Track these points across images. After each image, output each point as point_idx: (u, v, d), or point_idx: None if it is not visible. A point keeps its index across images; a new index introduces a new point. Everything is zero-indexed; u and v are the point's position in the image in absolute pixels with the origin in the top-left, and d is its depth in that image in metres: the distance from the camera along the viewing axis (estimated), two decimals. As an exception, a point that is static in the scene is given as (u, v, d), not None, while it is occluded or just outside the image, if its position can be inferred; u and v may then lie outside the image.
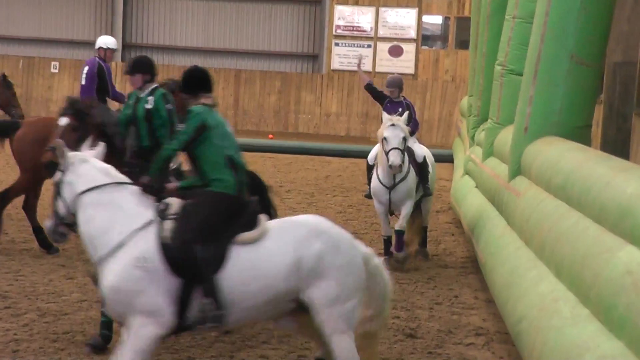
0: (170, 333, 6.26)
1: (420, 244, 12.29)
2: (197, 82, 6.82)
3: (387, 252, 11.37)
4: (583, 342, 5.21)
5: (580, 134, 8.86)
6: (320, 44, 32.56)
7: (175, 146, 6.61)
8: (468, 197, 13.27)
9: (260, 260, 6.14)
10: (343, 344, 6.16)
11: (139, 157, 8.17)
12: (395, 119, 11.08)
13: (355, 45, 31.79)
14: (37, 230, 11.21)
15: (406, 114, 11.24)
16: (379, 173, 11.33)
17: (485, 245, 9.89)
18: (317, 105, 31.95)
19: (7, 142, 11.44)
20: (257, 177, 8.32)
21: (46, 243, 11.13)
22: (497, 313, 8.53)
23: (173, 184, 6.70)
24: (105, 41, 12.78)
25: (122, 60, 33.34)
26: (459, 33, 30.99)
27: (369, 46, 31.75)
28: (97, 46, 12.80)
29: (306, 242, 6.17)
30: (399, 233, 11.31)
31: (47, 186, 9.31)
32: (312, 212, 15.39)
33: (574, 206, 6.59)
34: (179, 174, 7.93)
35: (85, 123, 8.70)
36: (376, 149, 11.64)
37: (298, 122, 32.14)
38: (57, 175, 6.49)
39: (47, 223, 6.56)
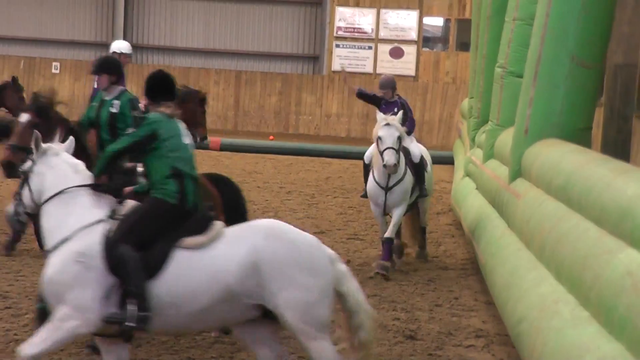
0: (105, 335, 6.24)
1: (420, 245, 12.22)
2: (158, 88, 6.66)
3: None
4: (583, 343, 5.21)
5: (580, 136, 8.86)
6: (321, 45, 32.57)
7: (117, 148, 6.51)
8: (468, 199, 13.27)
9: (205, 264, 6.02)
10: (319, 350, 6.04)
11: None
12: (390, 118, 10.98)
13: (356, 46, 31.80)
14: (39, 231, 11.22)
15: (400, 113, 11.15)
16: (375, 174, 11.19)
17: (486, 247, 9.89)
18: (318, 107, 31.95)
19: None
20: (230, 182, 8.19)
21: None
22: (497, 315, 8.52)
23: (129, 187, 6.68)
24: (119, 46, 12.83)
25: (123, 61, 33.34)
26: (459, 35, 30.99)
27: (370, 48, 31.76)
28: (111, 50, 12.85)
29: (263, 245, 6.01)
30: (388, 241, 11.07)
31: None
32: (313, 214, 15.45)
33: (574, 208, 6.59)
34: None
35: (48, 120, 8.50)
36: (372, 148, 11.52)
37: (299, 123, 32.15)
38: (28, 164, 6.51)
39: (8, 208, 6.57)
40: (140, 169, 7.36)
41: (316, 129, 31.73)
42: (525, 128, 9.23)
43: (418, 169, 11.57)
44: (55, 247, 6.19)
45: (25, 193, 6.47)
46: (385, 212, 11.34)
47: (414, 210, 12.02)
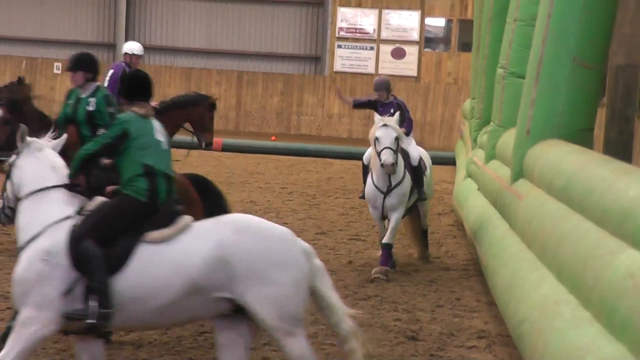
0: (76, 333, 6.18)
1: (422, 246, 12.20)
2: (133, 88, 6.61)
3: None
4: (584, 344, 5.21)
5: (582, 137, 8.86)
6: (322, 45, 32.57)
7: (89, 150, 6.46)
8: (470, 200, 13.27)
9: (169, 258, 5.96)
10: (294, 345, 5.96)
11: None
12: (387, 119, 10.92)
13: (358, 47, 31.80)
14: None
15: (397, 114, 11.07)
16: (374, 177, 11.10)
17: (487, 248, 9.89)
18: (320, 107, 31.96)
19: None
20: (212, 185, 8.14)
21: None
22: (499, 315, 8.52)
23: (111, 187, 6.66)
24: (131, 47, 12.87)
25: (125, 61, 33.36)
26: (461, 35, 30.99)
27: (372, 48, 31.76)
28: (123, 51, 12.87)
29: (232, 240, 5.94)
30: (387, 247, 11.00)
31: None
32: (314, 214, 15.45)
33: (576, 209, 6.60)
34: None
35: (21, 115, 8.40)
36: (371, 150, 11.47)
37: (300, 123, 32.15)
38: (12, 157, 6.51)
39: None
40: None
41: (318, 129, 31.73)
42: (527, 129, 9.23)
43: (416, 172, 11.49)
44: (26, 245, 6.16)
45: (9, 186, 6.47)
46: (384, 215, 11.24)
47: (413, 213, 11.97)
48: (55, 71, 32.44)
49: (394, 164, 10.73)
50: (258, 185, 18.85)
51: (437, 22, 32.58)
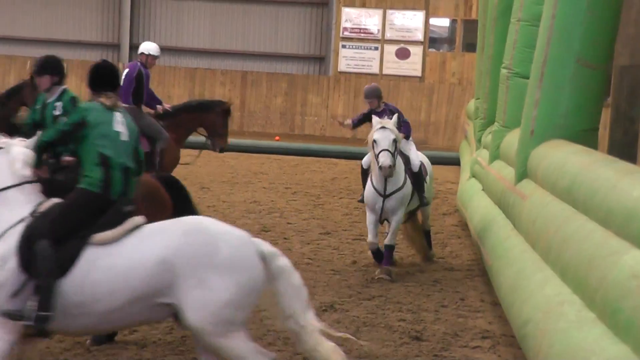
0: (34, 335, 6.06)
1: (425, 247, 12.16)
2: (99, 78, 6.49)
3: (378, 261, 11.11)
4: (589, 345, 5.21)
5: (586, 137, 8.86)
6: (327, 46, 32.57)
7: (49, 136, 6.34)
8: (474, 200, 13.27)
9: (114, 262, 5.83)
10: (230, 347, 5.81)
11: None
12: (385, 121, 10.84)
13: (362, 47, 31.79)
14: None
15: (395, 116, 11.00)
16: (373, 180, 11.01)
17: (491, 248, 9.89)
18: (324, 107, 31.95)
19: None
20: (180, 186, 8.10)
21: None
22: (504, 316, 8.52)
23: (69, 158, 6.59)
24: (148, 47, 12.88)
25: (130, 61, 33.36)
26: (466, 35, 30.99)
27: (376, 48, 31.75)
28: (139, 51, 12.89)
29: (177, 243, 5.80)
30: (389, 248, 10.97)
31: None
32: (319, 214, 15.46)
33: (580, 209, 6.60)
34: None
35: None
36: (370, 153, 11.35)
37: (304, 124, 32.15)
38: None
39: None
40: None
41: (322, 129, 31.73)
42: (531, 129, 9.23)
43: (417, 178, 11.41)
44: None
45: None
46: (382, 219, 11.14)
47: (414, 217, 11.96)
48: (59, 71, 32.44)
49: (392, 167, 10.64)
50: (262, 185, 18.86)
51: (441, 22, 32.57)
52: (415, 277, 11.08)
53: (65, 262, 5.86)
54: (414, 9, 31.49)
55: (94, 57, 33.63)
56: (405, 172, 11.16)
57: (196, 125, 12.91)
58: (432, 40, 32.04)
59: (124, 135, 6.34)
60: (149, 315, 5.94)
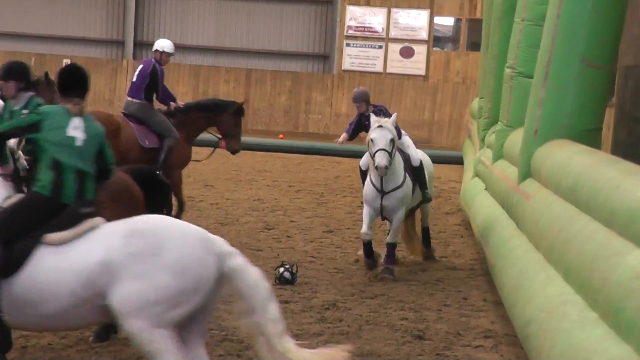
0: None
1: (425, 244, 12.08)
2: (67, 83, 6.44)
3: (367, 255, 10.92)
4: (591, 345, 5.21)
5: (590, 137, 8.85)
6: (331, 44, 32.57)
7: (3, 128, 6.28)
8: (478, 199, 13.27)
9: (61, 263, 5.76)
10: (149, 341, 5.65)
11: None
12: (383, 120, 10.74)
13: (367, 46, 31.79)
14: None
15: (394, 116, 10.87)
16: (372, 178, 10.90)
17: (494, 248, 9.88)
18: (328, 106, 31.96)
19: None
20: (154, 176, 8.00)
21: None
22: (506, 315, 8.52)
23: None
24: (162, 44, 12.90)
25: (134, 58, 33.41)
26: (470, 35, 30.97)
27: (380, 47, 31.74)
28: (154, 48, 12.92)
29: (119, 244, 5.70)
30: (391, 246, 10.92)
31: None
32: (322, 213, 15.46)
33: (583, 209, 6.59)
34: None
35: None
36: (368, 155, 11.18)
37: (308, 122, 32.15)
38: None
39: None
40: None
41: (326, 127, 31.74)
42: (534, 129, 9.22)
43: (418, 173, 11.31)
44: None
45: None
46: (383, 217, 11.05)
47: (412, 215, 11.86)
48: (64, 68, 32.44)
49: (388, 167, 10.50)
50: (266, 183, 18.86)
51: (446, 21, 32.56)
52: (418, 276, 11.08)
53: (15, 262, 5.82)
54: (418, 7, 31.47)
55: (99, 53, 33.68)
56: (405, 170, 11.05)
57: (207, 125, 12.90)
58: (436, 39, 32.03)
59: (79, 141, 6.23)
60: (104, 316, 5.87)
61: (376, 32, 31.80)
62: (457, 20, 31.89)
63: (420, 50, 31.51)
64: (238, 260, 5.87)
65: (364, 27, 31.87)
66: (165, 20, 33.59)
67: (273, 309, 5.90)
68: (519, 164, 9.64)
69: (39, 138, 6.17)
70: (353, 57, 31.86)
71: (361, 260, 11.28)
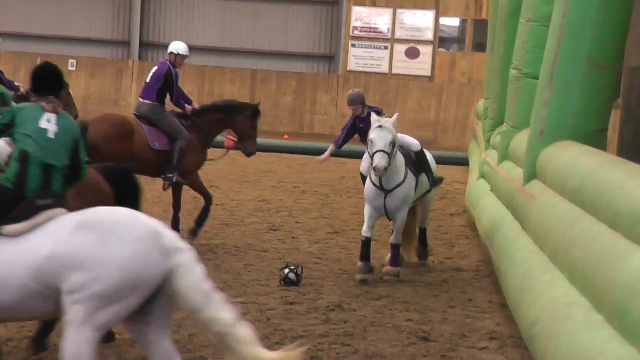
0: None
1: (420, 243, 11.81)
2: (40, 82, 6.41)
3: (363, 257, 10.67)
4: (596, 347, 5.20)
5: (595, 138, 8.83)
6: (336, 44, 32.57)
7: None
8: (483, 200, 13.25)
9: (14, 255, 5.72)
10: (70, 339, 5.57)
11: None
12: (383, 120, 10.49)
13: (372, 46, 31.78)
14: None
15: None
16: (372, 177, 10.69)
17: (499, 249, 9.87)
18: (333, 106, 31.96)
19: None
20: (126, 172, 7.96)
21: None
22: (511, 317, 8.51)
23: None
24: (177, 47, 12.91)
25: (139, 58, 33.44)
26: (475, 35, 30.95)
27: (386, 47, 31.73)
28: (168, 51, 12.93)
29: (67, 236, 5.66)
30: (395, 247, 10.82)
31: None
32: (327, 213, 15.45)
33: (588, 210, 6.58)
34: None
35: None
36: (366, 159, 11.03)
37: (313, 122, 32.15)
38: None
39: None
40: None
41: (331, 128, 31.73)
42: (540, 129, 9.21)
43: (420, 158, 11.10)
44: None
45: None
46: (389, 218, 10.91)
47: (413, 213, 11.59)
48: (69, 68, 32.51)
49: (386, 168, 10.28)
50: (271, 183, 18.86)
51: (451, 22, 32.54)
52: (423, 277, 11.07)
53: None
54: (424, 8, 31.46)
55: (104, 54, 33.72)
56: (406, 165, 10.84)
57: (223, 127, 12.87)
58: (441, 40, 32.01)
59: (51, 133, 6.21)
60: (55, 309, 5.79)
61: (381, 32, 31.79)
62: (463, 21, 31.87)
63: (426, 51, 31.50)
64: (184, 257, 5.75)
65: (370, 28, 31.86)
66: (170, 20, 33.61)
67: (215, 310, 5.70)
68: (524, 165, 9.63)
69: (13, 133, 6.16)
70: (358, 58, 31.86)
71: (378, 270, 11.04)
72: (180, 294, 5.69)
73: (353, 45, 31.92)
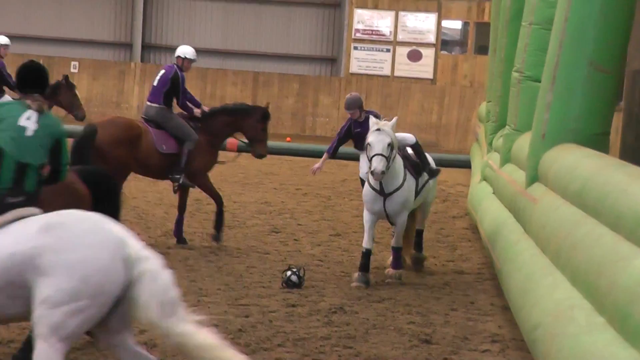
0: None
1: (415, 247, 11.66)
2: (25, 80, 6.36)
3: (362, 268, 10.49)
4: (598, 350, 5.20)
5: (598, 141, 8.84)
6: (339, 47, 32.59)
7: None
8: (485, 203, 13.25)
9: None
10: (39, 352, 5.48)
11: None
12: (382, 123, 10.35)
13: (374, 49, 31.80)
14: None
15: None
16: (371, 180, 10.52)
17: (501, 252, 9.87)
18: (335, 109, 31.96)
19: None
20: (106, 177, 7.95)
21: None
22: (513, 320, 8.51)
23: None
24: (184, 51, 12.94)
25: (142, 60, 33.46)
26: (478, 38, 30.96)
27: (388, 50, 31.75)
28: (176, 54, 12.97)
29: (31, 237, 5.53)
30: (397, 250, 10.75)
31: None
32: (329, 216, 15.45)
33: (590, 213, 6.58)
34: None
35: None
36: (364, 163, 10.97)
37: (315, 125, 32.16)
38: None
39: None
40: None
41: (333, 130, 31.67)
42: (542, 133, 9.21)
43: (416, 150, 10.93)
44: None
45: None
46: (390, 222, 10.82)
47: (412, 216, 11.41)
48: (72, 70, 32.55)
49: (384, 172, 10.13)
50: (273, 186, 18.87)
51: (453, 25, 32.56)
52: (425, 280, 11.06)
53: None
54: (426, 11, 31.48)
55: (106, 56, 33.74)
56: (405, 168, 10.70)
57: (233, 130, 12.90)
58: (444, 43, 32.03)
59: (29, 131, 6.17)
60: (22, 311, 5.71)
61: (384, 35, 31.80)
62: (465, 24, 31.89)
63: (428, 54, 31.51)
64: (149, 265, 5.59)
65: (372, 31, 31.88)
66: (173, 23, 33.63)
67: (179, 320, 5.54)
68: (527, 168, 9.63)
69: None
70: (361, 60, 31.87)
71: (380, 272, 11.04)
72: (140, 304, 5.52)
73: (355, 48, 31.94)
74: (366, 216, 10.74)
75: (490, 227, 11.43)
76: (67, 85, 16.75)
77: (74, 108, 16.62)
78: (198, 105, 12.80)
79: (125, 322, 5.74)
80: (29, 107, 6.23)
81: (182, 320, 5.52)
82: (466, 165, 22.78)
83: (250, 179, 19.63)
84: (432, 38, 31.50)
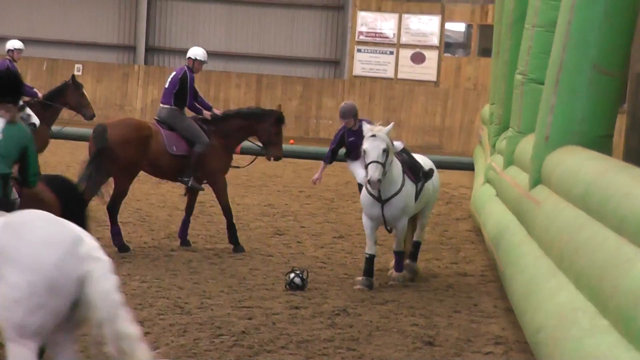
0: None
1: (410, 257, 11.33)
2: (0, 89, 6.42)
3: (366, 273, 10.45)
4: (602, 353, 5.19)
5: (601, 144, 8.84)
6: (342, 49, 32.59)
7: None
8: (488, 206, 13.25)
9: None
10: (10, 353, 5.49)
11: None
12: (377, 129, 10.19)
13: (378, 51, 31.80)
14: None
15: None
16: (368, 186, 10.28)
17: (505, 254, 9.87)
18: (339, 111, 31.93)
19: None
20: (71, 186, 7.97)
21: (121, 242, 11.70)
22: (517, 322, 8.50)
23: None
24: (195, 52, 13.00)
25: (145, 63, 33.48)
26: (481, 40, 30.97)
27: (391, 53, 31.75)
28: (187, 56, 13.04)
29: None
30: (399, 254, 10.71)
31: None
32: (332, 218, 15.45)
33: (594, 216, 6.58)
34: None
35: None
36: (359, 168, 10.88)
37: (319, 127, 32.16)
38: None
39: None
40: None
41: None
42: (546, 135, 9.21)
43: (406, 153, 10.81)
44: None
45: None
46: (387, 228, 10.72)
47: (412, 221, 11.28)
48: (75, 72, 32.55)
49: (380, 180, 9.97)
50: (276, 188, 18.87)
51: (457, 27, 32.56)
52: (428, 282, 11.06)
53: None
54: (429, 13, 31.48)
55: (110, 58, 33.76)
56: (404, 173, 10.57)
57: (247, 134, 12.94)
58: (447, 45, 32.03)
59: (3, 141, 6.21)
60: None
61: (387, 37, 31.81)
62: (469, 26, 31.89)
63: (431, 56, 31.52)
64: (98, 266, 5.60)
65: (375, 33, 31.89)
66: (176, 25, 33.65)
67: (122, 323, 5.57)
68: (530, 171, 9.63)
69: None
70: (364, 63, 31.88)
71: (384, 274, 11.01)
72: (90, 303, 5.55)
73: (359, 51, 31.95)
74: (366, 222, 10.68)
75: (494, 230, 11.43)
76: (74, 85, 16.80)
77: (82, 107, 16.65)
78: (208, 108, 12.82)
79: (75, 324, 5.74)
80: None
81: (128, 325, 5.55)
82: (469, 167, 22.77)
83: (253, 182, 19.63)
84: (435, 40, 31.50)
